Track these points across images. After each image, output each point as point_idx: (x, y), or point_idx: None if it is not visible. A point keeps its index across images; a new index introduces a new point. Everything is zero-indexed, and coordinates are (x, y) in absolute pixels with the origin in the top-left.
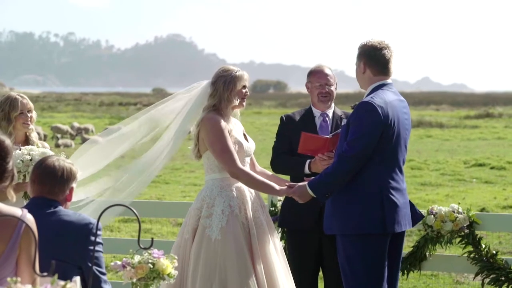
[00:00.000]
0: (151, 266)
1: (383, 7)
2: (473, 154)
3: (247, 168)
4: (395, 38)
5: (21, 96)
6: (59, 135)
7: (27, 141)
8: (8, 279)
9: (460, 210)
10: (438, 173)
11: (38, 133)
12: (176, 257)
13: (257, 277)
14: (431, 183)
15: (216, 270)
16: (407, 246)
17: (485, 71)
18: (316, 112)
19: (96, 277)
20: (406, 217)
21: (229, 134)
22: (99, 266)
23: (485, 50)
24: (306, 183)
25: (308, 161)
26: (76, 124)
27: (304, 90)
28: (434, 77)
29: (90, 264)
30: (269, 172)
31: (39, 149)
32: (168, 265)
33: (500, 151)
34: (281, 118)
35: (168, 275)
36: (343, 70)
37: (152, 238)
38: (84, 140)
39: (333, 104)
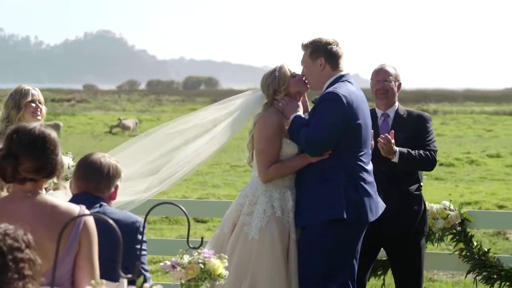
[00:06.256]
0: (202, 266)
1: (312, 4)
2: None
3: (272, 166)
4: (326, 35)
5: (33, 88)
6: None
7: None
8: (93, 281)
9: (452, 207)
10: None
11: None
12: (226, 256)
13: (290, 284)
14: None
15: (248, 270)
16: None
17: (414, 68)
18: (379, 113)
19: (141, 274)
20: (378, 206)
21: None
22: (143, 263)
23: (413, 47)
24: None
25: None
26: None
27: (235, 86)
28: (364, 74)
29: (137, 262)
30: None
31: None
32: (220, 265)
33: (443, 148)
34: None
35: (219, 275)
36: (273, 67)
37: (202, 238)
38: None
39: (397, 103)
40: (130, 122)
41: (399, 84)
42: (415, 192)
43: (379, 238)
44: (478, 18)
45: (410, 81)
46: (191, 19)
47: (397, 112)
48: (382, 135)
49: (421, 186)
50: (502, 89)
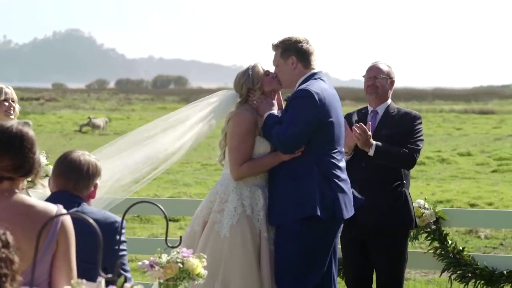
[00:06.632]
0: (181, 266)
1: (281, 3)
2: None
3: (244, 164)
4: (295, 34)
5: (6, 86)
6: None
7: None
8: (73, 281)
9: (427, 206)
10: None
11: None
12: (205, 256)
13: (262, 283)
14: None
15: (220, 268)
16: None
17: None
18: (370, 109)
19: (121, 275)
20: (352, 202)
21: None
22: (124, 263)
23: (382, 46)
24: None
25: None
26: None
27: (205, 85)
28: (332, 73)
29: (117, 262)
30: None
31: None
32: (198, 264)
33: None
34: None
35: (197, 275)
36: (242, 65)
37: (181, 237)
38: None
39: (389, 101)
40: (100, 121)
41: (392, 82)
42: (397, 190)
43: (364, 235)
44: (446, 18)
45: None
46: (160, 18)
47: (386, 110)
48: (356, 124)
49: (403, 183)
50: (470, 88)
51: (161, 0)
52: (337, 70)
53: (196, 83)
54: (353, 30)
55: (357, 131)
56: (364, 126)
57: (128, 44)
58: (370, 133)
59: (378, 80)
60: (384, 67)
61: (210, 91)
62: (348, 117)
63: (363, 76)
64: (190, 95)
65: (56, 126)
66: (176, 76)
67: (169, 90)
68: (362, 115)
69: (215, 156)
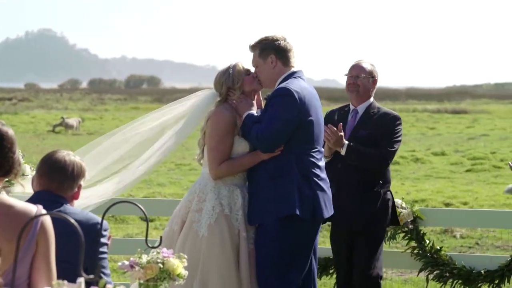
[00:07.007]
0: (161, 266)
1: (254, 3)
2: None
3: (223, 164)
4: (265, 34)
5: None
6: None
7: None
8: (54, 282)
9: (404, 205)
10: None
11: None
12: (185, 256)
13: (241, 283)
14: None
15: (198, 268)
16: None
17: None
18: (351, 108)
19: (100, 278)
20: (330, 202)
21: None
22: (104, 267)
23: (354, 46)
24: None
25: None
26: None
27: (178, 85)
28: (305, 73)
29: (99, 263)
30: None
31: None
32: (179, 264)
33: None
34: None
35: (178, 275)
36: (215, 65)
37: (161, 237)
38: None
39: (371, 100)
40: (73, 120)
41: (374, 81)
42: (374, 190)
43: (347, 235)
44: (419, 18)
45: None
46: (133, 18)
47: (367, 109)
48: (326, 126)
49: (380, 183)
50: (443, 88)
51: (134, 0)
52: (310, 69)
53: (169, 83)
54: (326, 29)
55: (327, 132)
56: (334, 128)
57: (100, 44)
58: (341, 133)
59: (359, 79)
60: (367, 66)
61: (183, 91)
62: (330, 114)
63: (346, 74)
64: (163, 95)
65: (29, 126)
66: (149, 76)
67: (142, 90)
68: (344, 113)
69: (189, 156)
